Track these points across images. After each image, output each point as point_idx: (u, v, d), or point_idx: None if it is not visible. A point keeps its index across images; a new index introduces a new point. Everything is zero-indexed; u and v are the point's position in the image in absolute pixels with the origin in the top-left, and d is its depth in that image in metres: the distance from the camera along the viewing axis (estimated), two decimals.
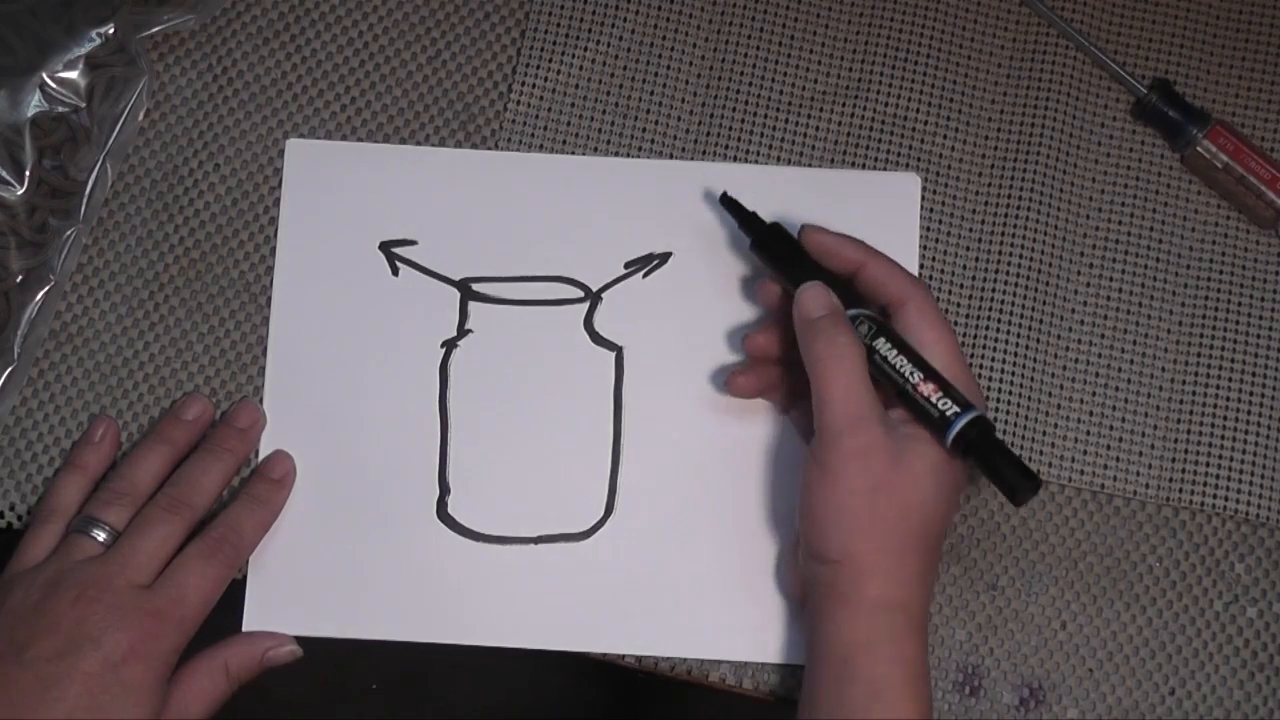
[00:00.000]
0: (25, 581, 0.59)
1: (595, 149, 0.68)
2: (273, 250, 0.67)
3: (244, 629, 0.63)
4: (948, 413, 0.57)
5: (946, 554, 0.65)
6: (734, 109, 0.69)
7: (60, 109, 0.64)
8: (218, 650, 0.61)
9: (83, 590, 0.58)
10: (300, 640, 0.63)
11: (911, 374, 0.58)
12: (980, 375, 0.66)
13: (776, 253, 0.63)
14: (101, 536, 0.60)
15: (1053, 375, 0.67)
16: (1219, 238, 0.68)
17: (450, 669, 0.77)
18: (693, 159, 0.68)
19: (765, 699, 0.64)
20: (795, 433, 0.65)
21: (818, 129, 0.69)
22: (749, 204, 0.66)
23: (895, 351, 0.58)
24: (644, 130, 0.68)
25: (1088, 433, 0.66)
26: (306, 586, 0.64)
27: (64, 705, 0.56)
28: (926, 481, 0.57)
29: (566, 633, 0.64)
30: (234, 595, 0.63)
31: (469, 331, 0.66)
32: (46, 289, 0.65)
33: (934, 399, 0.57)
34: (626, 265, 0.67)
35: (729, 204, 0.64)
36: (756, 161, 0.68)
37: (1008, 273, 0.67)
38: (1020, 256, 0.67)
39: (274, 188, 0.68)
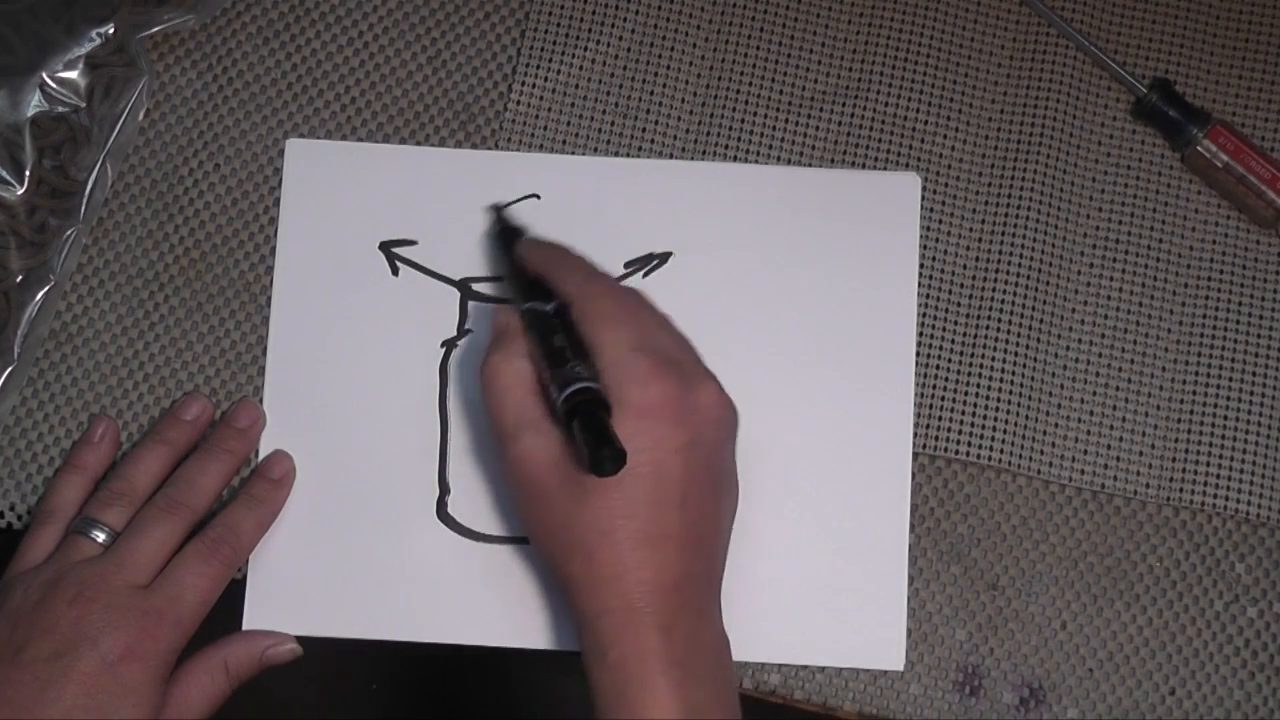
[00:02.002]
0: (25, 582, 0.59)
1: (595, 149, 0.68)
2: (273, 250, 0.67)
3: (244, 629, 0.63)
4: (553, 394, 0.55)
5: (946, 554, 0.65)
6: (734, 109, 0.69)
7: (60, 109, 0.64)
8: (217, 649, 0.61)
9: (80, 590, 0.58)
10: (300, 640, 0.63)
11: (540, 360, 0.57)
12: (980, 375, 0.66)
13: (502, 248, 0.65)
14: (101, 537, 0.60)
15: (1053, 375, 0.66)
16: (1219, 238, 0.68)
17: (450, 669, 0.77)
18: (693, 159, 0.68)
19: (765, 699, 0.64)
20: (795, 434, 0.65)
21: (818, 129, 0.69)
22: (750, 204, 0.66)
23: (536, 341, 0.57)
24: (644, 130, 0.68)
25: (1088, 433, 0.66)
26: (306, 586, 0.64)
27: (61, 705, 0.56)
28: (551, 474, 0.55)
29: (566, 633, 0.64)
30: (234, 595, 0.63)
31: (469, 331, 0.66)
32: (46, 289, 0.65)
33: (548, 380, 0.56)
34: (626, 265, 0.67)
35: (495, 210, 0.66)
36: (756, 161, 0.68)
37: (1008, 273, 0.67)
38: (1020, 256, 0.67)
39: (274, 188, 0.68)
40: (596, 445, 0.52)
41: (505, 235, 0.65)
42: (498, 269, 0.65)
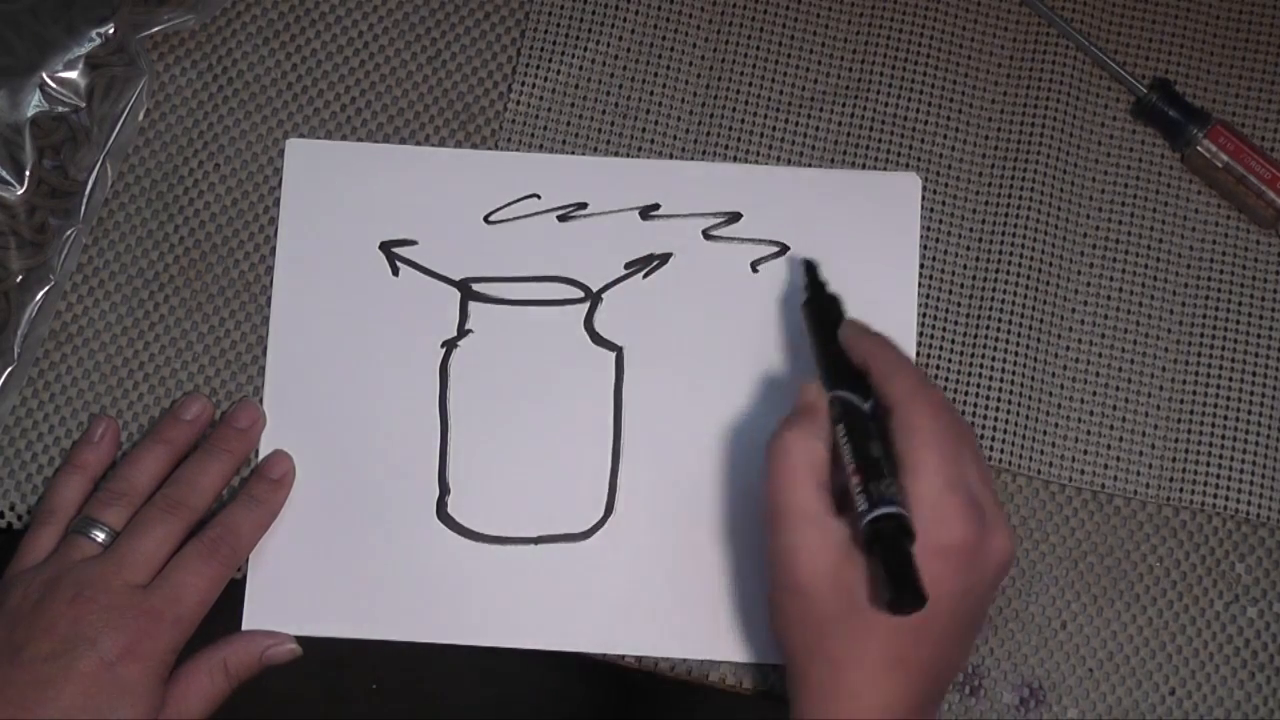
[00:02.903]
0: (24, 582, 0.59)
1: (595, 149, 0.68)
2: (273, 250, 0.67)
3: (243, 629, 0.63)
4: (861, 506, 0.54)
5: None
6: (734, 109, 0.69)
7: (60, 109, 0.64)
8: (217, 649, 0.61)
9: (80, 590, 0.58)
10: (300, 640, 0.63)
11: (849, 462, 0.55)
12: (980, 375, 0.66)
13: (819, 321, 0.62)
14: (100, 537, 0.60)
15: (1053, 375, 0.66)
16: (1219, 238, 0.68)
17: (450, 669, 0.77)
18: (693, 159, 0.68)
19: (765, 699, 0.64)
20: None
21: (818, 129, 0.69)
22: (750, 204, 0.66)
23: (845, 439, 0.56)
24: (644, 130, 0.68)
25: (1088, 433, 0.66)
26: (306, 586, 0.64)
27: (60, 705, 0.56)
28: (821, 579, 0.54)
29: (566, 633, 0.64)
30: (234, 595, 0.63)
31: (469, 331, 0.66)
32: (46, 289, 0.65)
33: (856, 488, 0.54)
34: (626, 265, 0.67)
35: (808, 267, 0.64)
36: (756, 161, 0.68)
37: (1008, 273, 0.67)
38: (1020, 256, 0.67)
39: (274, 188, 0.68)
40: (901, 584, 0.52)
41: (820, 305, 0.63)
42: (811, 336, 0.62)
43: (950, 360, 0.66)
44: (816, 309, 0.63)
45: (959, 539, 0.54)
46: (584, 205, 0.67)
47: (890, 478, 0.54)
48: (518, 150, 0.68)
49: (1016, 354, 0.66)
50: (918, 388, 0.56)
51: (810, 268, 0.64)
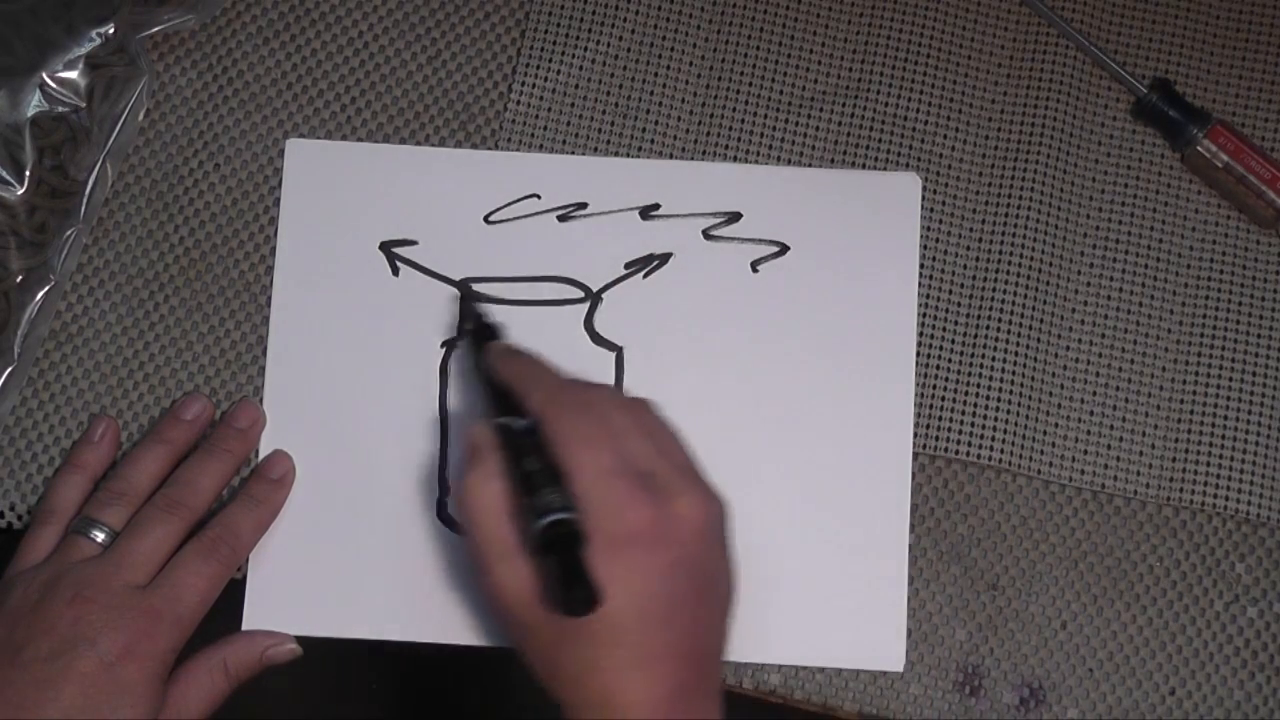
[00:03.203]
0: (24, 582, 0.59)
1: (595, 149, 0.68)
2: (273, 250, 0.67)
3: (243, 629, 0.63)
4: (525, 523, 0.53)
5: (946, 554, 0.65)
6: (734, 109, 0.69)
7: (60, 109, 0.64)
8: (217, 649, 0.61)
9: (79, 590, 0.58)
10: (300, 640, 0.63)
11: (513, 484, 0.54)
12: (980, 375, 0.66)
13: (476, 352, 0.62)
14: (100, 537, 0.60)
15: (1053, 375, 0.66)
16: (1219, 238, 0.68)
17: (450, 669, 0.77)
18: (693, 159, 0.68)
19: (765, 699, 0.64)
20: (795, 434, 0.65)
21: (818, 129, 0.69)
22: (750, 204, 0.66)
23: (509, 461, 0.55)
24: (644, 130, 0.68)
25: (1088, 433, 0.66)
26: (306, 586, 0.64)
27: (60, 705, 0.56)
28: (529, 608, 0.54)
29: None
30: (233, 595, 0.63)
31: (469, 331, 0.66)
32: (46, 289, 0.65)
33: (523, 507, 0.53)
34: (626, 265, 0.67)
35: (464, 299, 0.65)
36: (756, 161, 0.68)
37: (1008, 273, 0.67)
38: (1020, 256, 0.67)
39: (274, 188, 0.68)
40: (568, 587, 0.51)
41: (477, 335, 0.63)
42: (471, 372, 0.64)
43: (950, 360, 0.66)
44: (470, 337, 0.63)
45: (635, 521, 0.53)
46: (584, 205, 0.67)
47: (549, 487, 0.53)
48: (518, 150, 0.68)
49: (1016, 354, 0.66)
50: (556, 392, 0.56)
51: (465, 299, 0.64)
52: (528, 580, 0.53)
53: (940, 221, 0.68)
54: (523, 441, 0.55)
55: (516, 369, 0.59)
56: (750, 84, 0.69)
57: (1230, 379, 0.67)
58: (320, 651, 0.63)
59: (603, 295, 0.66)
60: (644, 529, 0.53)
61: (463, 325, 0.65)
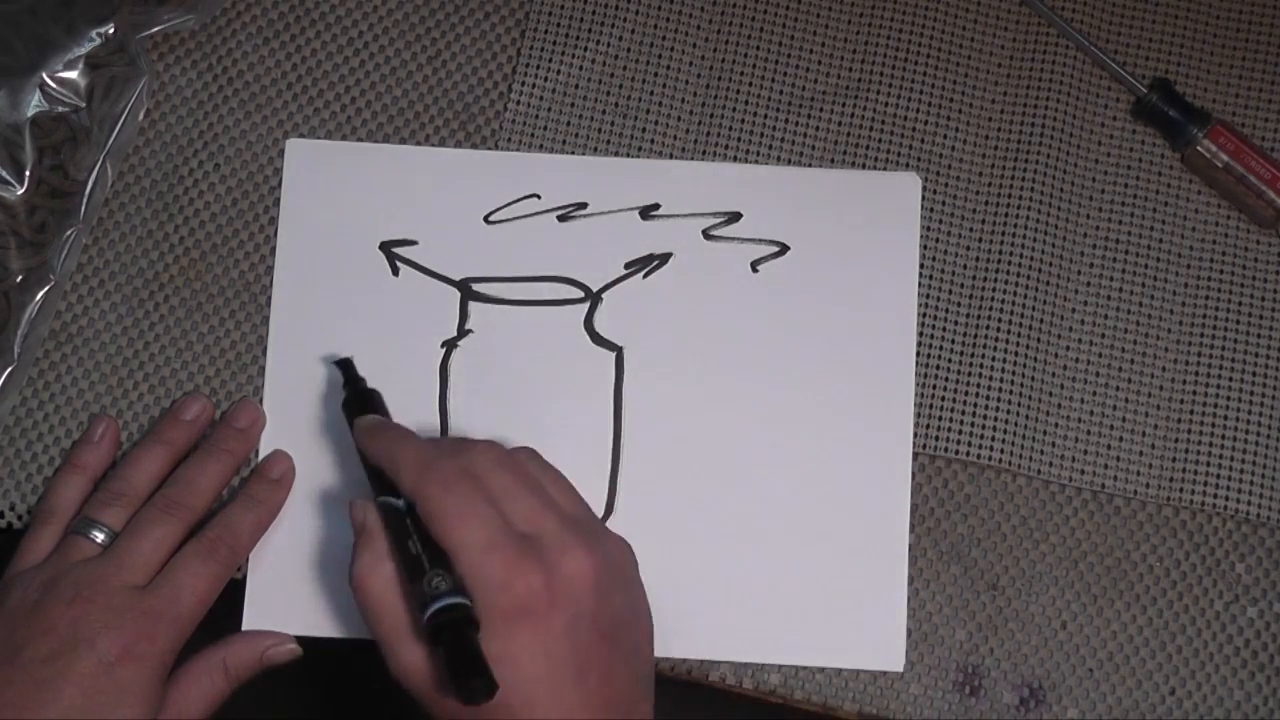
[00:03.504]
0: (23, 582, 0.59)
1: (595, 149, 0.68)
2: (273, 250, 0.67)
3: (243, 629, 0.63)
4: (415, 610, 0.53)
5: (946, 554, 0.65)
6: (734, 109, 0.69)
7: (60, 109, 0.64)
8: (216, 650, 0.61)
9: (79, 591, 0.58)
10: (300, 640, 0.63)
11: (401, 571, 0.54)
12: (980, 375, 0.66)
13: (350, 420, 0.61)
14: (100, 537, 0.60)
15: (1053, 375, 0.66)
16: (1219, 238, 0.68)
17: None
18: (693, 159, 0.68)
19: (765, 699, 0.64)
20: (795, 433, 0.65)
21: (818, 129, 0.69)
22: (750, 204, 0.66)
23: (394, 544, 0.55)
24: (644, 130, 0.68)
25: (1088, 433, 0.66)
26: (306, 586, 0.64)
27: (59, 706, 0.56)
28: (433, 691, 0.53)
29: None
30: (233, 595, 0.63)
31: (469, 331, 0.66)
32: (46, 289, 0.65)
33: (411, 597, 0.53)
34: (626, 265, 0.67)
35: (344, 366, 0.63)
36: (756, 161, 0.68)
37: (1008, 273, 0.67)
38: (1020, 256, 0.67)
39: (274, 188, 0.68)
40: (465, 676, 0.50)
41: (348, 407, 0.62)
42: (355, 438, 0.61)
43: (950, 360, 0.66)
44: (344, 407, 0.62)
45: (523, 592, 0.52)
46: (584, 205, 0.67)
47: (434, 571, 0.52)
48: (518, 150, 0.68)
49: (1016, 354, 0.66)
50: (423, 469, 0.55)
51: (345, 365, 0.63)
52: (426, 665, 0.53)
53: (940, 221, 0.68)
54: (403, 522, 0.55)
55: (384, 446, 0.58)
56: (750, 84, 0.69)
57: (1230, 379, 0.67)
58: (320, 651, 0.63)
59: (603, 295, 0.66)
60: (534, 598, 0.52)
61: (342, 385, 0.63)
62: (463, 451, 0.56)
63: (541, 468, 0.58)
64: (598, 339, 0.66)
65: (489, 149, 0.68)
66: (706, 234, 0.67)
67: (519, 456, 0.58)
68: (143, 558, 0.59)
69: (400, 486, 0.56)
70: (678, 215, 0.67)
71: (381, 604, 0.54)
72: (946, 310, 0.67)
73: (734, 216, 0.67)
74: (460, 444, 0.57)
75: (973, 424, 0.66)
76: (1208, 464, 0.66)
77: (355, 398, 0.62)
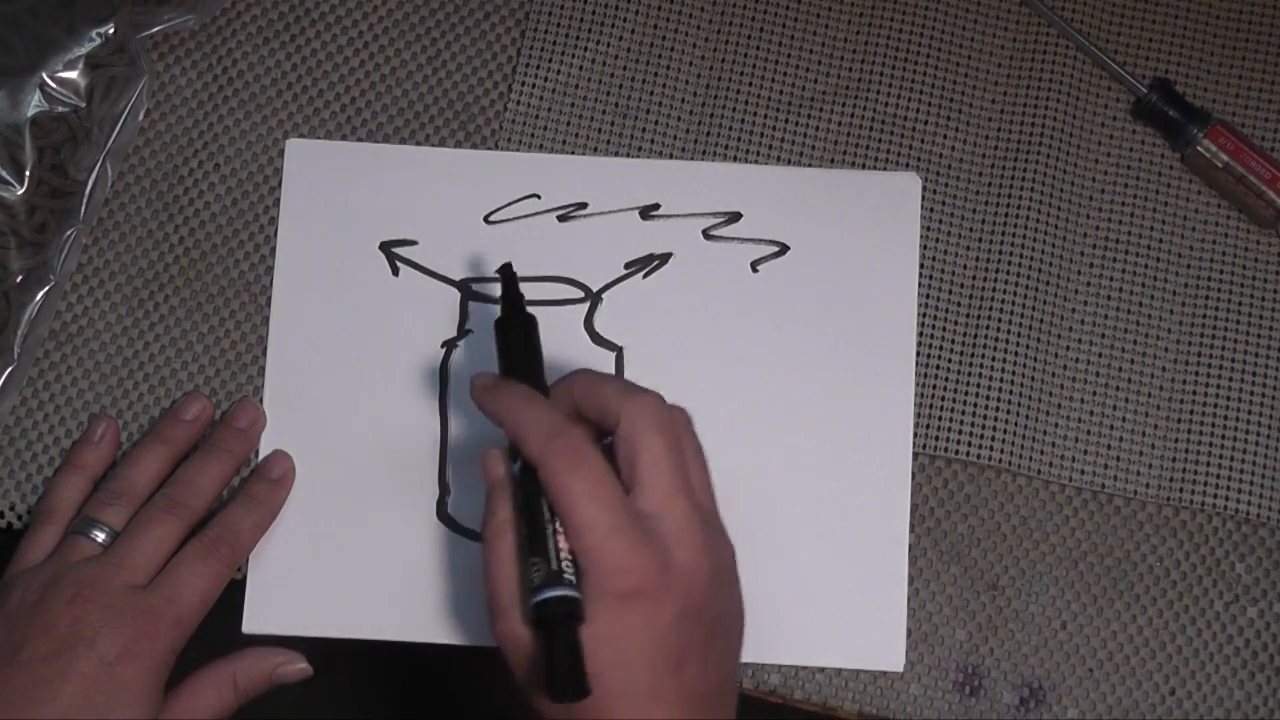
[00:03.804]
0: (23, 582, 0.59)
1: (595, 149, 0.68)
2: (273, 250, 0.67)
3: (243, 629, 0.63)
4: (526, 589, 0.52)
5: (946, 554, 0.65)
6: (734, 109, 0.69)
7: (60, 109, 0.64)
8: (227, 663, 0.61)
9: (79, 590, 0.58)
10: (300, 640, 0.63)
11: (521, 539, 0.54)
12: (980, 375, 0.66)
13: (507, 344, 0.58)
14: (100, 537, 0.60)
15: (1053, 375, 0.66)
16: (1219, 238, 0.68)
17: (451, 669, 0.77)
18: (693, 159, 0.68)
19: (765, 699, 0.64)
20: (795, 434, 0.65)
21: (818, 129, 0.69)
22: (750, 204, 0.66)
23: (518, 514, 0.54)
24: (644, 130, 0.68)
25: (1088, 433, 0.66)
26: (306, 586, 0.64)
27: (59, 705, 0.56)
28: (516, 653, 0.53)
29: None
30: (233, 595, 0.63)
31: (469, 331, 0.66)
32: (46, 289, 0.65)
33: (525, 569, 0.53)
34: (626, 265, 0.67)
35: (505, 274, 0.59)
36: (756, 161, 0.68)
37: (1008, 273, 0.67)
38: (1020, 256, 0.67)
39: (274, 188, 0.68)
40: (558, 674, 0.50)
41: (504, 326, 0.59)
42: (499, 342, 0.59)
43: (950, 360, 0.66)
44: (502, 334, 0.58)
45: (638, 578, 0.52)
46: (584, 205, 0.67)
47: (540, 557, 0.52)
48: (518, 150, 0.68)
49: (1016, 354, 0.66)
50: (552, 435, 0.53)
51: (507, 275, 0.59)
52: (524, 642, 0.53)
53: (940, 221, 0.68)
54: (521, 491, 0.54)
55: (506, 407, 0.56)
56: (750, 84, 0.69)
57: (1230, 379, 0.67)
58: (320, 651, 0.63)
59: (603, 295, 0.66)
60: (646, 585, 0.52)
61: (501, 307, 0.60)
62: (610, 410, 0.54)
63: (689, 438, 0.56)
64: (598, 339, 0.66)
65: (489, 149, 0.68)
66: (706, 234, 0.67)
67: (676, 422, 0.55)
68: (143, 557, 0.59)
69: (524, 449, 0.54)
70: (678, 215, 0.67)
71: (501, 568, 0.54)
72: (946, 310, 0.67)
73: (734, 216, 0.67)
74: (623, 391, 0.55)
75: (973, 424, 0.66)
76: (1208, 464, 0.66)
77: (510, 320, 0.58)
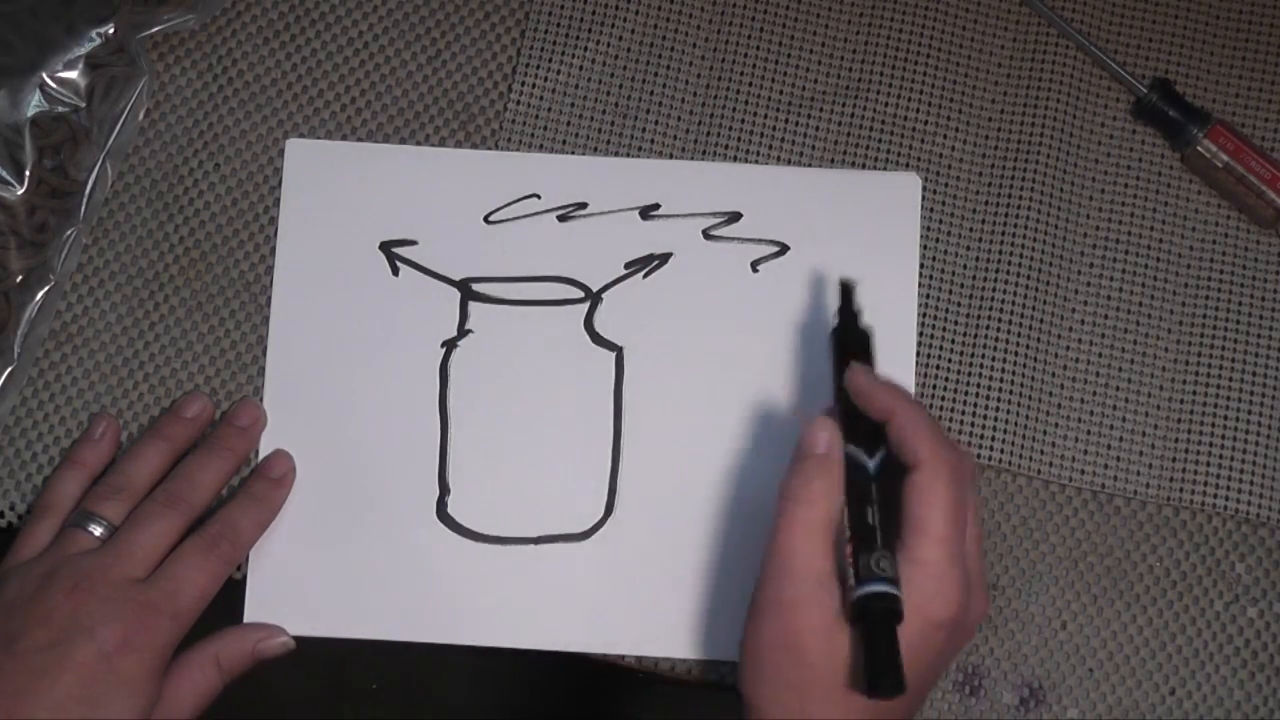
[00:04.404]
0: (21, 573, 0.59)
1: (595, 149, 0.68)
2: (273, 250, 0.67)
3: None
4: (851, 578, 0.53)
5: None
6: (734, 109, 0.69)
7: (60, 109, 0.64)
8: (208, 644, 0.61)
9: (78, 582, 0.58)
10: (300, 640, 0.63)
11: (847, 527, 0.54)
12: (980, 375, 0.66)
13: (843, 355, 0.59)
14: (98, 531, 0.60)
15: (1053, 375, 0.66)
16: (1219, 238, 0.68)
17: (450, 669, 0.77)
18: (693, 159, 0.68)
19: None
20: (795, 434, 0.65)
21: (818, 129, 0.69)
22: (750, 204, 0.66)
23: (851, 502, 0.54)
24: (644, 130, 0.68)
25: (1088, 433, 0.66)
26: (306, 586, 0.64)
27: (55, 695, 0.56)
28: (817, 641, 0.53)
29: (566, 633, 0.64)
30: (234, 595, 0.63)
31: (469, 331, 0.66)
32: (46, 289, 0.65)
33: (850, 561, 0.53)
34: (626, 265, 0.67)
35: (845, 291, 0.60)
36: (756, 161, 0.68)
37: (1008, 273, 0.67)
38: (1020, 256, 0.67)
39: (274, 188, 0.68)
40: (881, 669, 0.51)
41: (848, 338, 0.59)
42: (834, 371, 0.59)
43: (950, 360, 0.66)
44: (843, 342, 0.59)
45: (953, 614, 0.53)
46: (584, 205, 0.67)
47: (883, 550, 0.53)
48: (518, 150, 0.68)
49: (1016, 354, 0.66)
50: (939, 450, 0.54)
51: (846, 291, 0.60)
52: (829, 611, 0.53)
53: (940, 221, 0.68)
54: (870, 487, 0.54)
55: (894, 404, 0.55)
56: (750, 84, 0.69)
57: (1230, 379, 0.67)
58: (320, 651, 0.63)
59: (603, 295, 0.67)
60: (953, 621, 0.53)
61: (838, 310, 0.60)
62: (963, 454, 0.56)
63: (975, 490, 0.58)
64: (598, 339, 0.66)
65: (489, 149, 0.68)
66: (706, 234, 0.67)
67: (972, 475, 0.57)
68: (143, 551, 0.59)
69: (911, 447, 0.54)
70: (678, 215, 0.67)
71: (811, 530, 0.54)
72: (946, 310, 0.67)
73: (734, 216, 0.67)
74: (933, 439, 0.55)
75: (973, 424, 0.66)
76: (1208, 464, 0.66)
77: (860, 333, 0.59)
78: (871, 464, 0.55)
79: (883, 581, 0.52)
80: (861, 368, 0.57)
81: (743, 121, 0.69)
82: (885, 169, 0.68)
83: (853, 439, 0.56)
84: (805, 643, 0.53)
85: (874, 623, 0.52)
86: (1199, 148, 0.67)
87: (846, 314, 0.60)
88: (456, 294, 0.66)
